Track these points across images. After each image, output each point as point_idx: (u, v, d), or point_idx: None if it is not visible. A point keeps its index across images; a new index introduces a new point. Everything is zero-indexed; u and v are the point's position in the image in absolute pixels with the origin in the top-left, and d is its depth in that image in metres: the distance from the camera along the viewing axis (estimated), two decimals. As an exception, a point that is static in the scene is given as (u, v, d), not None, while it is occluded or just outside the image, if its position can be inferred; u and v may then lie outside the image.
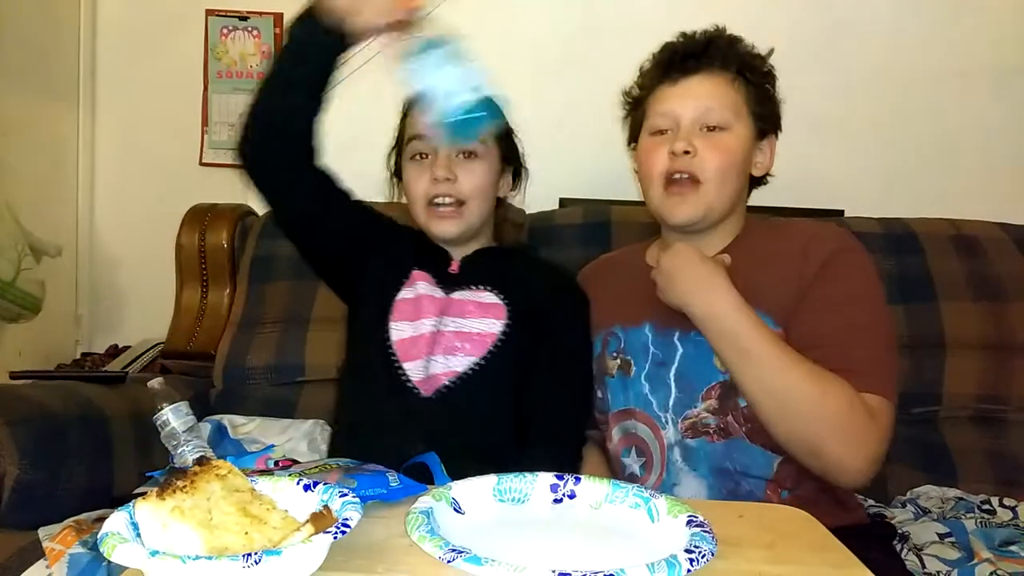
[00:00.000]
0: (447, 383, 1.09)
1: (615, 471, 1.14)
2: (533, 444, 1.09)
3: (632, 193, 1.82)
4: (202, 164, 2.79)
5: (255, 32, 2.79)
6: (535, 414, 1.11)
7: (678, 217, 1.08)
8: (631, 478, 1.10)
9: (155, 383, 1.21)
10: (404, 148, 1.18)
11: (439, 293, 1.16)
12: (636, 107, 1.16)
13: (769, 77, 1.12)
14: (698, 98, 1.07)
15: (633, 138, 1.18)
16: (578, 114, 2.00)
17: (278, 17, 2.78)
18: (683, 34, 1.14)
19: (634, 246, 1.28)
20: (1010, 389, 1.43)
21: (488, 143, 1.15)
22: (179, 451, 1.13)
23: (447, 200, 1.13)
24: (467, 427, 1.06)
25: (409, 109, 1.18)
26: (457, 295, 1.15)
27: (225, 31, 2.79)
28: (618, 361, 1.13)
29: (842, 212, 1.82)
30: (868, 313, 1.02)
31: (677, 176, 1.06)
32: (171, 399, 1.16)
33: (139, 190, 2.77)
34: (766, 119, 1.11)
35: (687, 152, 1.05)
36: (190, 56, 2.79)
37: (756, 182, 1.16)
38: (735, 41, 1.12)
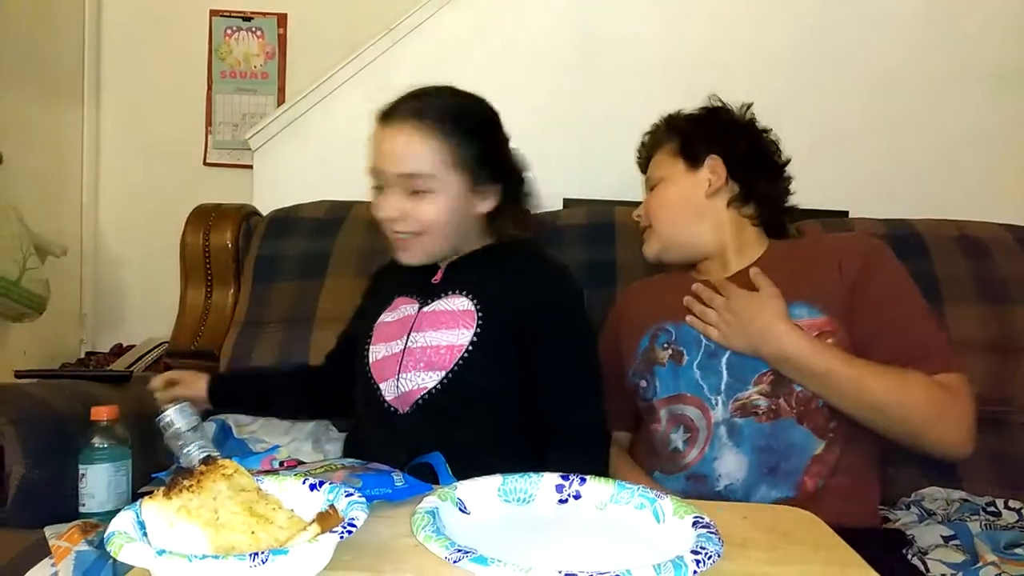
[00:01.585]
0: (418, 400, 1.09)
1: (657, 452, 1.17)
2: (555, 447, 1.08)
3: (635, 194, 1.83)
4: (206, 164, 2.80)
5: (259, 32, 2.80)
6: (550, 418, 1.10)
7: (645, 255, 1.30)
8: (673, 453, 1.14)
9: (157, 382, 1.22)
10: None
11: (414, 310, 1.16)
12: None
13: (696, 121, 1.27)
14: (650, 176, 1.31)
15: None
16: (582, 115, 2.00)
17: (282, 17, 2.79)
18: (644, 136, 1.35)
19: (678, 268, 1.35)
20: (1015, 390, 1.43)
21: (440, 175, 1.09)
22: (185, 451, 1.13)
23: (402, 234, 1.12)
24: (447, 439, 1.04)
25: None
26: (430, 307, 1.14)
27: (229, 31, 2.80)
28: (669, 351, 1.18)
29: (847, 213, 1.82)
30: (917, 301, 1.13)
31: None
32: (174, 400, 1.16)
33: (143, 190, 2.78)
34: (691, 152, 1.24)
35: (638, 215, 1.31)
36: (194, 56, 2.80)
37: (758, 203, 1.24)
38: (671, 121, 1.31)
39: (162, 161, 2.80)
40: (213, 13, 2.80)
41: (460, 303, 1.13)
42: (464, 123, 1.12)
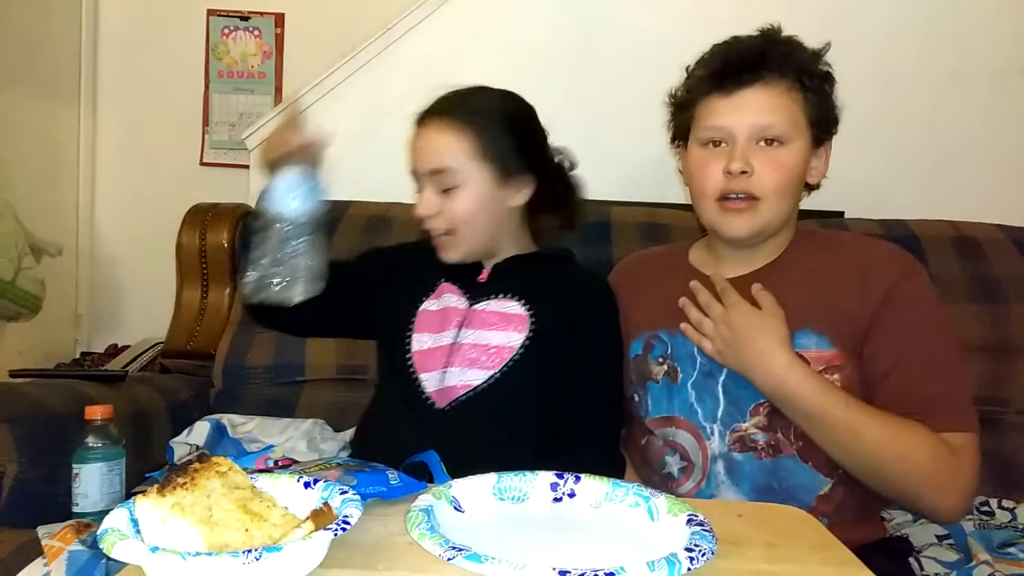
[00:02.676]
0: (462, 396, 1.08)
1: (650, 465, 1.11)
2: (570, 452, 1.06)
3: (631, 195, 1.82)
4: (203, 164, 2.80)
5: (256, 32, 2.80)
6: (571, 427, 1.10)
7: (733, 232, 1.03)
8: (667, 477, 1.07)
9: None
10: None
11: (463, 304, 1.15)
12: (683, 110, 1.10)
13: (828, 79, 1.07)
14: (755, 113, 1.01)
15: (677, 137, 1.13)
16: (578, 115, 2.00)
17: (279, 17, 2.79)
18: (736, 38, 1.06)
19: (674, 245, 1.25)
20: (1009, 391, 1.43)
21: (464, 168, 1.09)
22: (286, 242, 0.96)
23: (438, 231, 1.13)
24: (481, 441, 1.04)
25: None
26: (481, 306, 1.14)
27: (226, 31, 2.80)
28: (664, 367, 1.08)
29: (842, 213, 1.82)
30: (941, 341, 1.00)
31: (733, 196, 1.02)
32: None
33: (140, 189, 2.78)
34: (824, 126, 1.06)
35: (744, 172, 1.00)
36: (191, 56, 2.80)
37: (809, 187, 1.11)
38: (793, 45, 1.05)
39: (158, 161, 2.79)
40: (210, 12, 2.80)
41: (512, 306, 1.13)
42: (490, 114, 1.13)
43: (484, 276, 1.17)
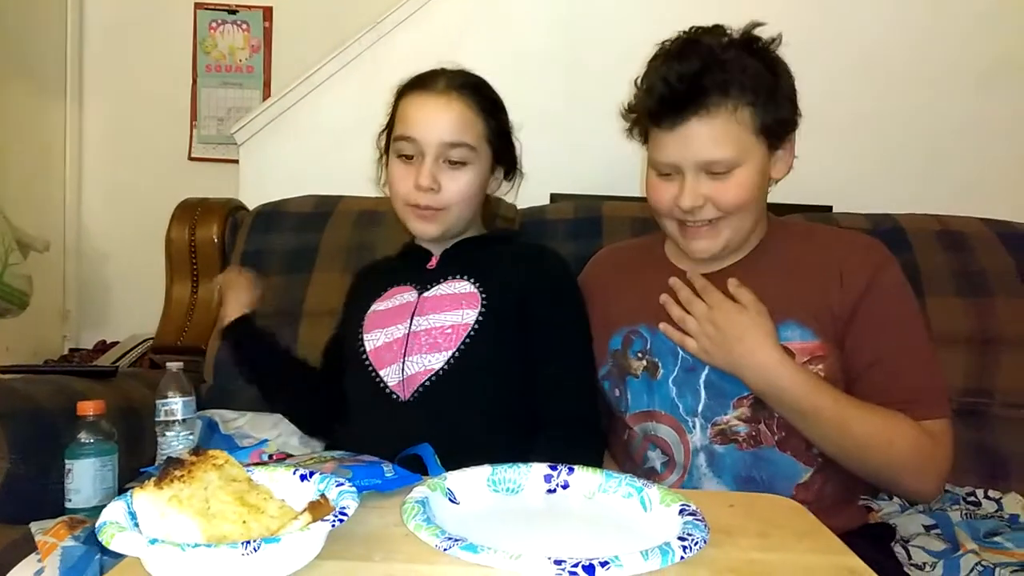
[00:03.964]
0: (425, 383, 1.08)
1: (633, 460, 1.12)
2: (548, 427, 1.07)
3: (623, 189, 1.83)
4: (191, 159, 2.79)
5: (244, 25, 2.78)
6: (544, 402, 1.10)
7: (698, 254, 1.06)
8: (650, 472, 1.08)
9: (175, 366, 1.24)
10: (391, 141, 1.16)
11: (413, 296, 1.16)
12: (635, 129, 1.10)
13: (774, 78, 1.02)
14: (699, 148, 0.99)
15: (643, 139, 1.11)
16: (568, 109, 2.00)
17: (267, 11, 2.77)
18: (668, 64, 1.02)
19: (649, 238, 1.25)
20: (994, 383, 1.45)
21: (479, 148, 1.12)
22: (168, 437, 1.15)
23: (428, 206, 1.11)
24: (449, 425, 1.04)
25: (400, 97, 1.16)
26: (431, 292, 1.15)
27: (214, 25, 2.78)
28: (643, 362, 1.09)
29: (830, 208, 1.84)
30: (917, 331, 1.04)
31: (690, 224, 1.04)
32: (184, 391, 1.18)
33: (127, 185, 2.76)
34: (778, 130, 1.03)
35: (696, 206, 1.01)
36: (178, 50, 2.78)
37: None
38: (730, 63, 0.99)
39: (146, 156, 2.78)
40: (198, 6, 2.78)
41: (462, 286, 1.13)
42: (491, 100, 1.15)
43: (433, 263, 1.18)
